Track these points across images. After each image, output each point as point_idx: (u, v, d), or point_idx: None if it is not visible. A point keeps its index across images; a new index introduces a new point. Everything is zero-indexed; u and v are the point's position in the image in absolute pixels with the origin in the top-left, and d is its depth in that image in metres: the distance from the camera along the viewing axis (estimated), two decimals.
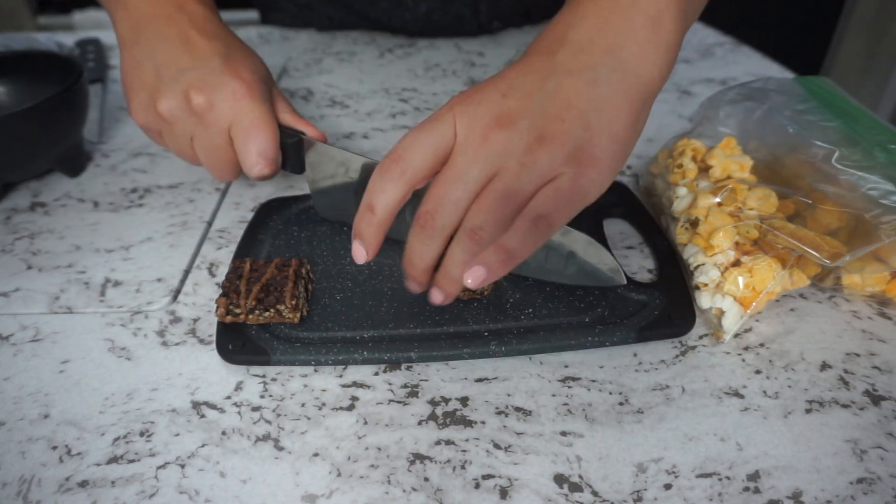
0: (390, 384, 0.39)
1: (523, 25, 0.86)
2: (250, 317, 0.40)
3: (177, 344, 0.42)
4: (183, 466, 0.34)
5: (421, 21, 0.81)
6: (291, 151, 0.47)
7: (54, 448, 0.35)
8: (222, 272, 0.47)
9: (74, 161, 0.58)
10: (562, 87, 0.35)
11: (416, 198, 0.37)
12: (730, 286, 0.40)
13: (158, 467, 0.34)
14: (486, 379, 0.39)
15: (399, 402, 0.37)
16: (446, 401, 0.37)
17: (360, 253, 0.37)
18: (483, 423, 0.36)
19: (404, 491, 0.33)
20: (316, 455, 0.35)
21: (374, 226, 0.36)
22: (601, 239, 0.47)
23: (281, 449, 0.35)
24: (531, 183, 0.34)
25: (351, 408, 0.37)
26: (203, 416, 0.37)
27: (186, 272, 0.47)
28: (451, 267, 0.35)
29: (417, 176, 0.35)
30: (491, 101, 0.35)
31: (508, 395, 0.38)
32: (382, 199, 0.35)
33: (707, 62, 0.77)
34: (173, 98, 0.45)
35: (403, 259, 0.37)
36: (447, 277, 0.35)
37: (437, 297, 0.36)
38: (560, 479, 0.33)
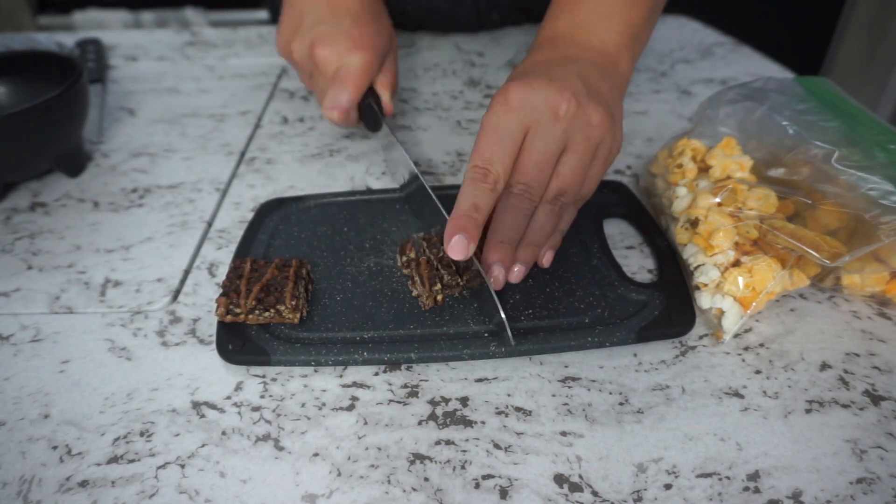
0: (390, 384, 0.39)
1: (523, 23, 0.86)
2: (250, 317, 0.40)
3: (177, 344, 0.42)
4: (183, 466, 0.34)
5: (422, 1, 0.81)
6: (367, 113, 0.54)
7: (54, 448, 0.35)
8: (222, 272, 0.47)
9: (74, 161, 0.58)
10: (585, 72, 0.43)
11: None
12: (730, 286, 0.40)
13: (158, 467, 0.34)
14: (486, 379, 0.39)
15: (399, 402, 0.37)
16: (446, 401, 0.37)
17: (463, 246, 0.38)
18: (483, 423, 0.36)
19: (404, 491, 0.33)
20: (316, 455, 0.35)
21: (479, 223, 0.39)
22: (601, 239, 0.47)
23: (281, 449, 0.35)
24: (593, 152, 0.41)
25: (351, 408, 0.37)
26: (203, 416, 0.37)
27: (186, 272, 0.47)
28: (535, 234, 0.42)
29: (503, 182, 0.40)
30: (544, 88, 0.40)
31: (508, 395, 0.38)
32: (483, 202, 0.39)
33: (707, 62, 0.77)
34: (302, 45, 0.54)
35: (491, 247, 0.41)
36: (530, 247, 0.41)
37: (518, 274, 0.41)
38: (560, 479, 0.33)
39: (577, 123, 0.40)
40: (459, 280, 0.42)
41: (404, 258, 0.45)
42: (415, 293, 0.43)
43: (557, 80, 0.41)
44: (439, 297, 0.42)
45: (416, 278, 0.42)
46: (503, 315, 0.37)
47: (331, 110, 0.52)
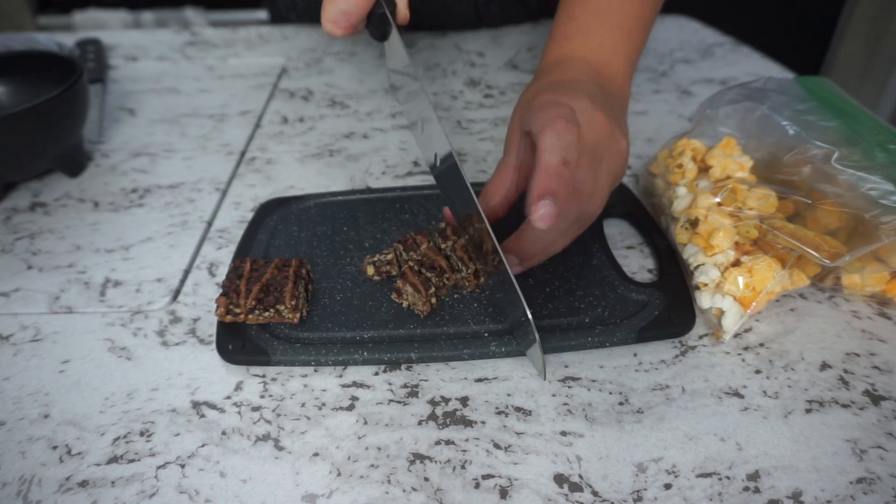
0: (390, 384, 0.39)
1: (521, 20, 0.86)
2: (250, 317, 0.40)
3: (177, 344, 0.42)
4: (183, 466, 0.34)
5: None
6: (376, 20, 0.45)
7: (54, 448, 0.35)
8: (222, 272, 0.47)
9: (74, 161, 0.58)
10: (608, 98, 0.44)
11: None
12: (730, 286, 0.40)
13: (158, 467, 0.34)
14: (486, 379, 0.39)
15: (399, 402, 0.37)
16: (446, 401, 0.37)
17: (552, 209, 0.36)
18: (483, 422, 0.36)
19: (404, 491, 0.33)
20: (316, 455, 0.35)
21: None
22: (601, 239, 0.47)
23: (281, 449, 0.35)
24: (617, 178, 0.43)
25: (351, 408, 0.37)
26: (203, 416, 0.37)
27: (186, 272, 0.47)
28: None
29: None
30: (592, 113, 0.40)
31: (508, 395, 0.38)
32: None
33: (707, 62, 0.77)
34: None
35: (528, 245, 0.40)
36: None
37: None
38: (560, 479, 0.33)
39: (609, 150, 0.40)
40: (445, 280, 0.42)
41: (372, 271, 0.44)
42: (405, 304, 0.42)
43: (598, 102, 0.41)
44: (434, 301, 0.41)
45: (408, 288, 0.41)
46: (528, 313, 0.36)
47: (334, 24, 0.41)
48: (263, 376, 0.39)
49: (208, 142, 0.63)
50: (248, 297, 0.40)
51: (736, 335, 0.41)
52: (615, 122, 0.41)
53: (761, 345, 0.40)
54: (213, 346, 0.41)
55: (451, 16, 0.84)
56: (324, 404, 0.37)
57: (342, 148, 0.62)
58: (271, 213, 0.51)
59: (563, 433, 0.35)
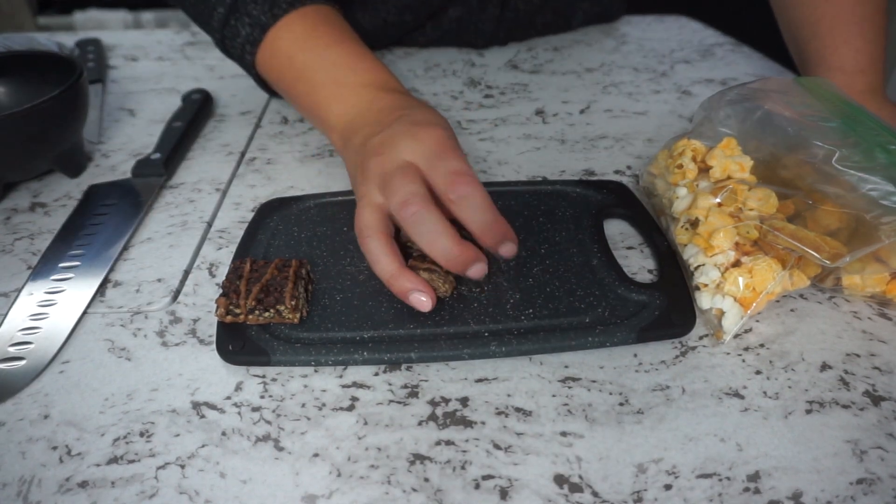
0: (390, 384, 0.38)
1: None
2: (250, 317, 0.40)
3: (177, 344, 0.41)
4: (183, 467, 0.34)
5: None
6: None
7: (54, 448, 0.35)
8: (222, 272, 0.47)
9: (74, 161, 0.58)
10: None
11: None
12: (730, 287, 0.40)
13: (158, 468, 0.34)
14: (486, 379, 0.39)
15: (399, 402, 0.37)
16: (446, 401, 0.37)
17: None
18: (483, 423, 0.36)
19: (404, 491, 0.33)
20: (316, 455, 0.35)
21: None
22: (601, 239, 0.47)
23: (281, 449, 0.35)
24: None
25: (351, 408, 0.37)
26: (203, 416, 0.37)
27: (186, 272, 0.47)
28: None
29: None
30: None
31: (508, 395, 0.38)
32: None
33: (707, 62, 0.77)
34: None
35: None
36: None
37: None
38: (560, 480, 0.33)
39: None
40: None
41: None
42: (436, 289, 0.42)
43: None
44: (452, 279, 0.42)
45: (423, 273, 0.41)
46: None
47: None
48: (263, 377, 0.39)
49: (208, 142, 0.63)
50: (248, 298, 0.40)
51: (736, 336, 0.41)
52: None
53: (761, 345, 0.40)
54: (213, 346, 0.41)
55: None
56: (324, 405, 0.37)
57: None
58: (271, 214, 0.51)
59: (564, 434, 0.35)
